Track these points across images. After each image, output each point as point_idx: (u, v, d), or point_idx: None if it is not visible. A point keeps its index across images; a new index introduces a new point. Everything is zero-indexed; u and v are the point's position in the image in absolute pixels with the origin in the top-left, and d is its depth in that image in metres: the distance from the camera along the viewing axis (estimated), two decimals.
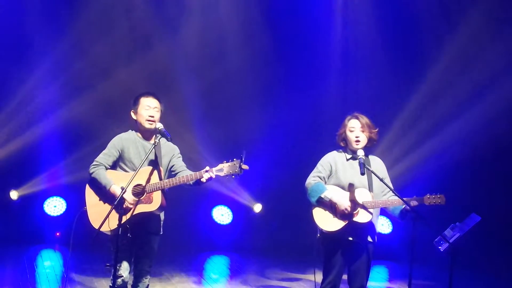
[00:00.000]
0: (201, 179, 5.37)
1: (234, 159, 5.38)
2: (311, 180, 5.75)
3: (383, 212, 5.98)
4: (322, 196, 5.63)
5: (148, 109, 5.60)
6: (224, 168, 5.37)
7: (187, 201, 10.00)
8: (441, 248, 5.74)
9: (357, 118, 5.80)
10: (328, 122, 10.21)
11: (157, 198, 5.44)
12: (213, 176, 5.36)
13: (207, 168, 5.38)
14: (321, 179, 5.75)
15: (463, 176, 10.68)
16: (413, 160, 10.59)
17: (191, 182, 5.45)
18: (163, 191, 5.47)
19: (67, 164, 10.03)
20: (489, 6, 10.40)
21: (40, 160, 10.12)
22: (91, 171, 5.55)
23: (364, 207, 5.60)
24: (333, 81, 10.88)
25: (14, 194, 10.15)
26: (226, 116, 10.77)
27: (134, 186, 5.44)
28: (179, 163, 5.66)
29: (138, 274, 5.64)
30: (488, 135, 10.73)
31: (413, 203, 5.61)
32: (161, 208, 5.49)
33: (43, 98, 10.11)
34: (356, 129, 5.76)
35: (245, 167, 5.34)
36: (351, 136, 5.76)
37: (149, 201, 5.44)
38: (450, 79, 10.69)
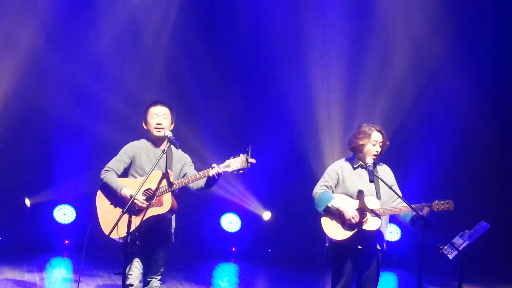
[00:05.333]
0: (209, 174, 5.35)
1: (241, 154, 5.35)
2: (318, 189, 5.75)
3: (392, 219, 5.97)
4: (329, 205, 5.63)
5: (156, 117, 5.63)
6: (231, 163, 5.36)
7: (196, 209, 10.01)
8: (450, 256, 5.73)
9: (380, 132, 5.73)
10: (336, 129, 10.24)
11: (167, 200, 5.44)
12: (221, 171, 5.34)
13: (214, 165, 5.38)
14: (328, 188, 5.74)
15: (472, 184, 10.67)
16: (421, 167, 10.57)
17: (202, 185, 5.46)
18: (173, 193, 5.48)
19: (81, 174, 10.04)
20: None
21: (55, 169, 10.16)
22: (102, 176, 5.57)
23: (374, 212, 5.60)
24: (339, 86, 10.87)
25: (27, 202, 10.20)
26: (233, 121, 10.79)
27: (144, 191, 5.46)
28: (191, 171, 5.65)
29: (148, 282, 5.64)
30: (499, 141, 10.75)
31: (425, 210, 5.58)
32: (171, 210, 5.48)
33: (58, 108, 10.18)
34: (377, 143, 5.71)
35: (252, 160, 5.31)
36: (373, 149, 5.69)
37: (160, 203, 5.45)
38: (458, 82, 10.75)
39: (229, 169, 5.35)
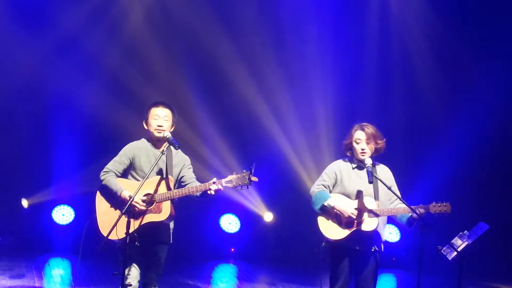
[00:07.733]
0: (209, 191, 5.40)
1: (244, 171, 5.42)
2: (315, 188, 5.76)
3: (391, 220, 5.97)
4: (326, 204, 5.63)
5: (157, 119, 5.62)
6: (233, 179, 5.41)
7: (195, 210, 10.01)
8: (449, 257, 5.73)
9: (362, 129, 5.72)
10: (338, 130, 10.25)
11: (166, 208, 5.46)
12: (221, 188, 5.40)
13: (214, 179, 5.41)
14: (325, 187, 5.75)
15: (472, 184, 10.67)
16: (421, 168, 10.57)
17: (198, 194, 5.48)
18: (172, 201, 5.48)
19: (79, 174, 10.04)
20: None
21: (52, 170, 10.15)
22: (102, 178, 5.57)
23: (371, 212, 5.59)
24: (341, 89, 10.88)
25: (25, 203, 10.20)
26: (236, 122, 10.79)
27: (144, 195, 5.46)
28: (189, 174, 5.67)
29: (146, 283, 5.64)
30: (499, 141, 10.75)
31: (420, 210, 5.59)
32: (170, 217, 5.51)
33: (56, 108, 10.18)
34: (362, 141, 5.71)
35: (254, 179, 5.39)
36: (357, 147, 5.72)
37: (158, 210, 5.46)
38: (458, 83, 10.77)
39: (231, 185, 5.43)
